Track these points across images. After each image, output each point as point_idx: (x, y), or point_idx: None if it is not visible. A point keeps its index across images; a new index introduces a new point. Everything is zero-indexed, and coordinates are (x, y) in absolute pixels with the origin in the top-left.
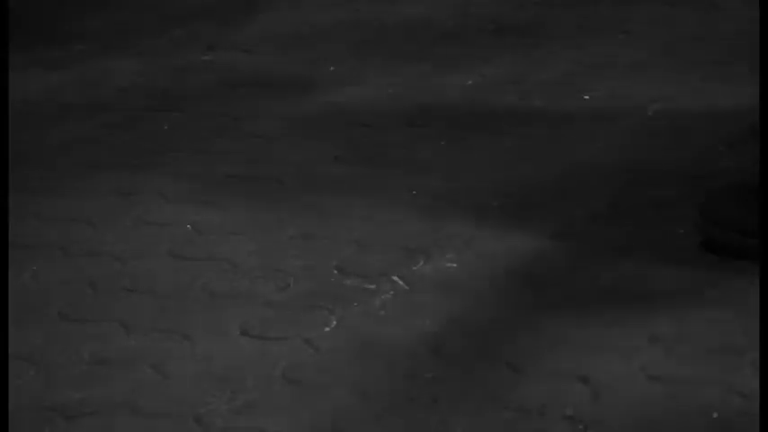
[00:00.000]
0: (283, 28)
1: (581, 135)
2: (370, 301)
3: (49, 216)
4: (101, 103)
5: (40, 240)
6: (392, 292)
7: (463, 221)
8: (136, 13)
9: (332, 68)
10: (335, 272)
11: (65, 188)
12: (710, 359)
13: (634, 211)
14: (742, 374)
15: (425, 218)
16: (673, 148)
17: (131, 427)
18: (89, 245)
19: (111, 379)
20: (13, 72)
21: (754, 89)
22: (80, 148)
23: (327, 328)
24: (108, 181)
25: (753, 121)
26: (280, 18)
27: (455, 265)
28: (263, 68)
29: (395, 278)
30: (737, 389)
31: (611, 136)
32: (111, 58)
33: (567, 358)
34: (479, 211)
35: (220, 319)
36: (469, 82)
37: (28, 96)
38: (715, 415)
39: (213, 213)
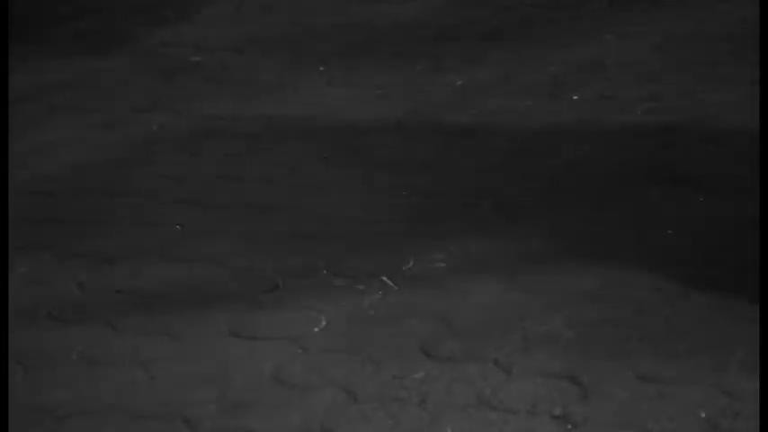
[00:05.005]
0: (272, 29)
1: (569, 135)
2: (360, 302)
3: (37, 217)
4: (90, 104)
5: (28, 242)
6: (381, 293)
7: (452, 222)
8: (126, 16)
9: (321, 69)
10: (324, 272)
11: (52, 189)
12: (698, 359)
13: (622, 212)
14: (729, 374)
15: (414, 218)
16: (661, 148)
17: (120, 427)
18: (76, 245)
19: (100, 379)
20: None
21: (742, 89)
22: (68, 148)
23: (316, 329)
24: (95, 181)
25: None
26: (268, 19)
27: (444, 265)
28: (252, 69)
29: (384, 278)
30: (725, 388)
31: (600, 136)
32: (101, 59)
33: (556, 358)
34: (468, 212)
35: (209, 319)
36: (458, 83)
37: (18, 96)
38: (702, 414)
39: (202, 214)
